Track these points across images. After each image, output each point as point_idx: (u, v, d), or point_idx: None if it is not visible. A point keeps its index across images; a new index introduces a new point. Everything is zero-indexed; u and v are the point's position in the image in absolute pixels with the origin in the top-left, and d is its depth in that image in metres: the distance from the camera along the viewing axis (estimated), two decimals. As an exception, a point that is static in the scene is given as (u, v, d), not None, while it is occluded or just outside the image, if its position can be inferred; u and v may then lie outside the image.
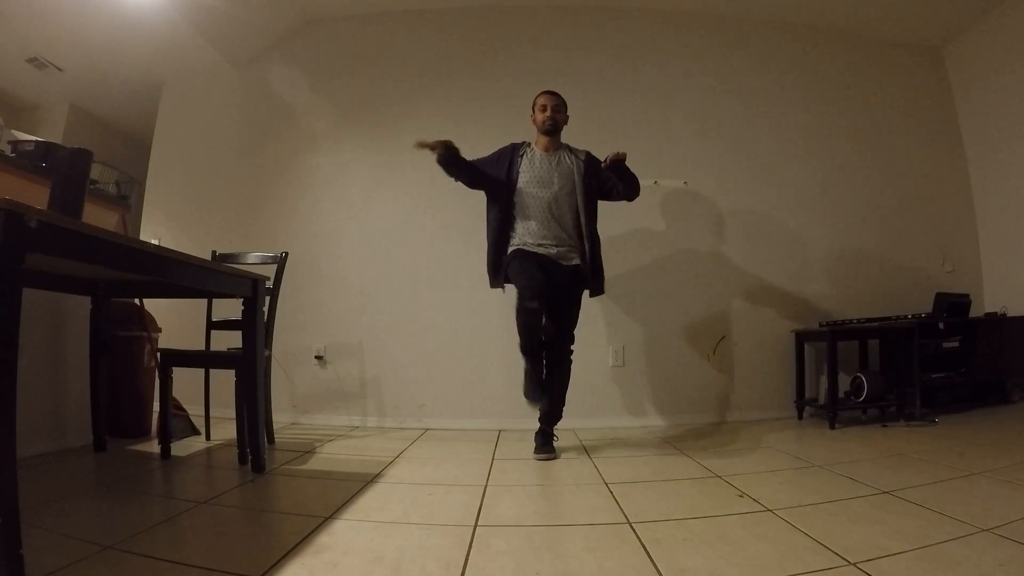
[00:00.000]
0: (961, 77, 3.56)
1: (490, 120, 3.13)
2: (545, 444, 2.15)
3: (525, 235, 2.19)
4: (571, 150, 2.31)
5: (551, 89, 2.33)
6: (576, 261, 2.20)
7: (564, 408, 2.26)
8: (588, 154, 2.30)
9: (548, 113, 2.25)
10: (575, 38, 3.31)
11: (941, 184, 3.50)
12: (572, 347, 2.24)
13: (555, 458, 2.11)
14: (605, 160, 2.11)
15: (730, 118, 3.29)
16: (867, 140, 3.42)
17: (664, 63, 3.31)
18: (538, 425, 2.23)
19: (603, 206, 2.33)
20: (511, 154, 2.28)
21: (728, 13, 3.37)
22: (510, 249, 2.20)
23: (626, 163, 2.12)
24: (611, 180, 2.20)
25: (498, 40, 3.33)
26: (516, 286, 2.14)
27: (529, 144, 2.32)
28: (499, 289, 2.29)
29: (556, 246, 2.18)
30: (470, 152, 3.17)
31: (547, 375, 2.21)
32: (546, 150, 2.28)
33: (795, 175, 3.30)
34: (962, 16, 3.36)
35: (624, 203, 3.06)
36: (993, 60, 3.32)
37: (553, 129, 2.27)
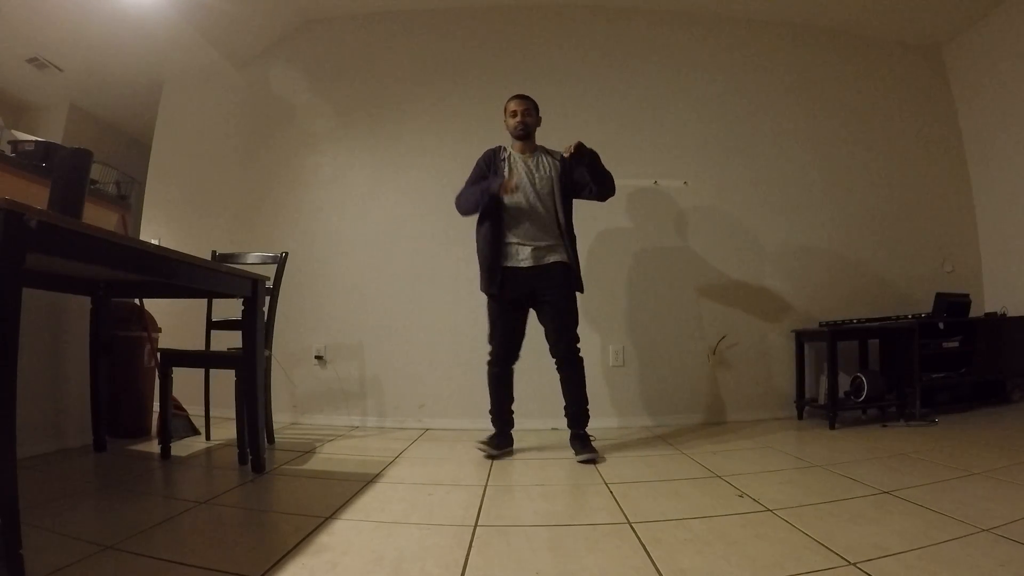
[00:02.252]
0: (961, 77, 3.56)
1: (490, 118, 3.12)
2: (584, 447, 2.10)
3: (517, 238, 2.20)
4: (547, 151, 2.33)
5: (521, 93, 2.34)
6: (562, 257, 2.20)
7: (588, 407, 2.21)
8: (564, 156, 2.30)
9: (518, 119, 2.27)
10: (575, 38, 3.31)
11: (941, 184, 3.50)
12: (578, 344, 2.21)
13: (599, 460, 2.05)
14: (566, 153, 2.09)
15: (731, 119, 3.29)
16: (867, 140, 3.42)
17: (664, 63, 3.31)
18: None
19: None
20: (493, 159, 2.30)
21: (728, 13, 3.37)
22: (505, 263, 2.20)
23: (602, 162, 2.17)
24: (585, 178, 2.22)
25: (498, 40, 3.33)
26: (491, 338, 2.25)
27: (505, 148, 2.34)
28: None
29: (545, 246, 2.19)
30: (468, 149, 3.16)
31: (561, 379, 2.20)
32: (523, 153, 2.31)
33: (795, 175, 3.30)
34: (962, 16, 3.36)
35: (625, 203, 3.08)
36: (993, 60, 3.32)
37: (524, 134, 2.29)
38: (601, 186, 2.22)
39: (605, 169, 2.22)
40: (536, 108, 2.32)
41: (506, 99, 2.36)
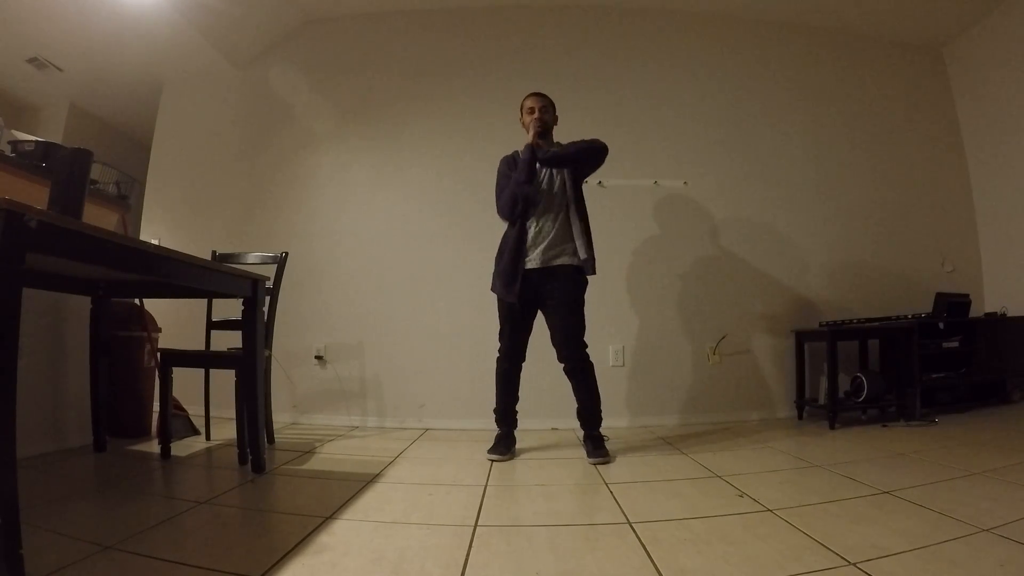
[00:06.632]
0: (961, 77, 3.56)
1: (490, 118, 3.13)
2: (596, 449, 2.10)
3: (531, 239, 2.17)
4: (561, 147, 2.30)
5: (537, 91, 2.32)
6: (567, 260, 2.17)
7: (600, 409, 2.20)
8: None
9: (536, 115, 2.24)
10: (575, 38, 3.32)
11: (941, 184, 3.50)
12: (587, 351, 2.18)
13: (610, 461, 2.04)
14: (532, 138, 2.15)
15: (730, 118, 3.29)
16: (867, 140, 3.42)
17: (664, 63, 3.32)
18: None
19: (594, 208, 2.31)
20: (514, 163, 2.26)
21: (728, 13, 3.37)
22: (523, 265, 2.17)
23: (567, 151, 2.19)
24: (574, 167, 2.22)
25: (498, 39, 3.33)
26: (501, 335, 2.24)
27: (518, 152, 2.31)
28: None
29: (554, 246, 2.17)
30: (470, 148, 3.17)
31: (571, 384, 2.19)
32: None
33: (795, 175, 3.30)
34: (962, 16, 3.36)
35: (625, 203, 3.09)
36: (993, 60, 3.32)
37: (542, 132, 2.25)
38: (583, 155, 2.21)
39: (575, 150, 2.20)
40: (553, 106, 2.30)
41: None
